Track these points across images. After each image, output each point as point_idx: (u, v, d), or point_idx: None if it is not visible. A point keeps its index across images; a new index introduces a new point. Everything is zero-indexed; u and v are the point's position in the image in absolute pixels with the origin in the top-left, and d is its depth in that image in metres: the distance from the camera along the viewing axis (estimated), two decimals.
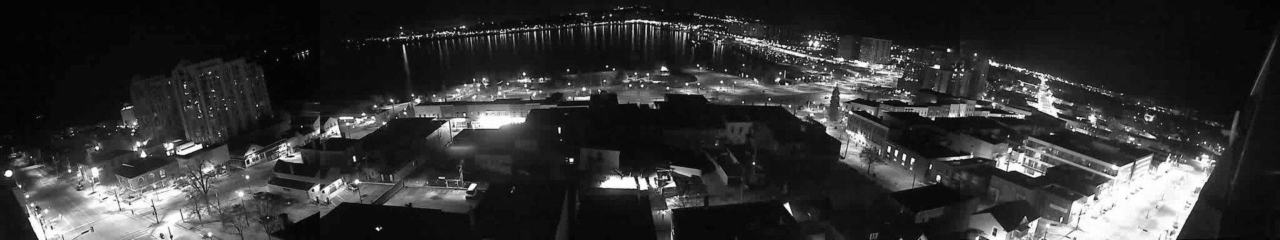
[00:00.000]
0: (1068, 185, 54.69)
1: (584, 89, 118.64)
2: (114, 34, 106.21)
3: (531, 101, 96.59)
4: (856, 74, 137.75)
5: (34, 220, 50.95)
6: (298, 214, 51.66)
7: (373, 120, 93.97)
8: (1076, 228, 52.41)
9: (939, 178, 62.09)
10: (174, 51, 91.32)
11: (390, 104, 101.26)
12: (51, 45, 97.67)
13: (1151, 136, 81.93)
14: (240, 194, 59.52)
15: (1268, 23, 38.61)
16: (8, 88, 79.99)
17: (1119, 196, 59.23)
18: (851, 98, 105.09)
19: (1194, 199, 54.78)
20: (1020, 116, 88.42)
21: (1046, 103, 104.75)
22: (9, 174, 59.92)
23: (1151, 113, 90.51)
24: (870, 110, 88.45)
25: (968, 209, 51.27)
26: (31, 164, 68.33)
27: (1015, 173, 60.74)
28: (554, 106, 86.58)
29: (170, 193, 60.33)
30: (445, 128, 78.71)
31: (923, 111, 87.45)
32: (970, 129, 72.64)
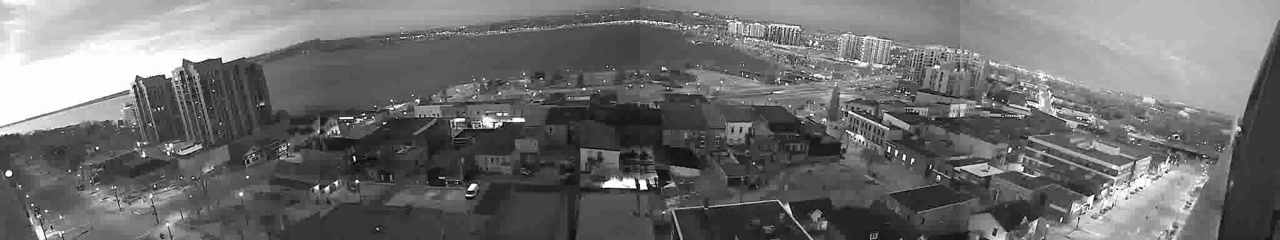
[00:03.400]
0: (1068, 185, 54.68)
1: (584, 89, 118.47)
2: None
3: (532, 101, 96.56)
4: (856, 74, 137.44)
5: (34, 220, 50.94)
6: (298, 214, 51.64)
7: (373, 120, 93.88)
8: (1077, 228, 52.40)
9: (939, 178, 62.07)
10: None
11: (390, 104, 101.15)
12: None
13: (1152, 136, 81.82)
14: (240, 194, 59.48)
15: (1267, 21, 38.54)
16: None
17: (1119, 196, 59.21)
18: (851, 98, 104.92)
19: (1194, 199, 54.78)
20: (1020, 116, 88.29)
21: (1046, 103, 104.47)
22: (9, 174, 59.89)
23: (1152, 113, 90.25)
24: (870, 110, 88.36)
25: (968, 209, 51.25)
26: (31, 164, 68.27)
27: (1015, 173, 60.74)
28: (554, 106, 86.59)
29: (170, 193, 60.32)
30: (446, 128, 78.77)
31: (923, 111, 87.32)
32: (970, 129, 72.61)
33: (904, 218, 48.29)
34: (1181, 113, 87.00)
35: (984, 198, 56.95)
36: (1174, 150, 73.25)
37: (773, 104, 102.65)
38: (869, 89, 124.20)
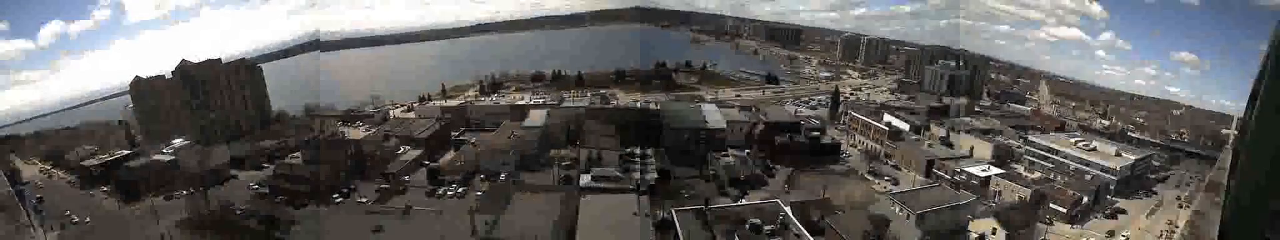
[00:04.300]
0: (1067, 185, 54.76)
1: (584, 89, 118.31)
2: None
3: (531, 101, 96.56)
4: (856, 74, 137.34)
5: (34, 220, 51.00)
6: (298, 214, 51.73)
7: (373, 120, 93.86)
8: (1076, 227, 52.45)
9: (939, 178, 62.14)
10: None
11: (390, 104, 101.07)
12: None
13: (1152, 136, 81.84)
14: (240, 194, 59.49)
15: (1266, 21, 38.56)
16: None
17: (1120, 196, 59.24)
18: (852, 98, 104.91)
19: (1195, 199, 54.78)
20: (1020, 116, 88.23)
21: (1046, 102, 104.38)
22: (9, 174, 59.98)
23: (1152, 112, 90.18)
24: (870, 110, 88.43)
25: (968, 209, 51.33)
26: (31, 164, 68.32)
27: (1015, 173, 60.81)
28: (554, 106, 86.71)
29: (170, 193, 60.23)
30: (446, 128, 78.93)
31: (923, 111, 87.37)
32: (970, 129, 72.76)
33: (904, 218, 48.37)
34: (1181, 112, 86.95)
35: (984, 198, 57.00)
36: (1174, 150, 73.22)
37: (773, 104, 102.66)
38: (869, 89, 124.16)
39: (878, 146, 73.68)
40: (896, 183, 64.23)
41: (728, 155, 65.29)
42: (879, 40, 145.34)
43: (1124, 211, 56.65)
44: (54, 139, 73.75)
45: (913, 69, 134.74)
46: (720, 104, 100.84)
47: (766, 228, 44.99)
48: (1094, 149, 63.05)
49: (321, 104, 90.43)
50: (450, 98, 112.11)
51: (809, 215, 51.22)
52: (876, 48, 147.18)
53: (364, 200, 58.56)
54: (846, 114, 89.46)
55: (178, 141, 70.78)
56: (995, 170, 60.70)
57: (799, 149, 64.21)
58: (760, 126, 70.65)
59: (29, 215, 51.08)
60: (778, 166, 61.40)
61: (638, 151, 62.84)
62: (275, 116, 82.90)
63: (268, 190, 60.24)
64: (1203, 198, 43.88)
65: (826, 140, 69.21)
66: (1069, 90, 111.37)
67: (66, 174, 65.00)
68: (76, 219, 54.85)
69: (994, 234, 49.17)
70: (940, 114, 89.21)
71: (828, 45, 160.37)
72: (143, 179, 59.77)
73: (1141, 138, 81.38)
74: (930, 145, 68.26)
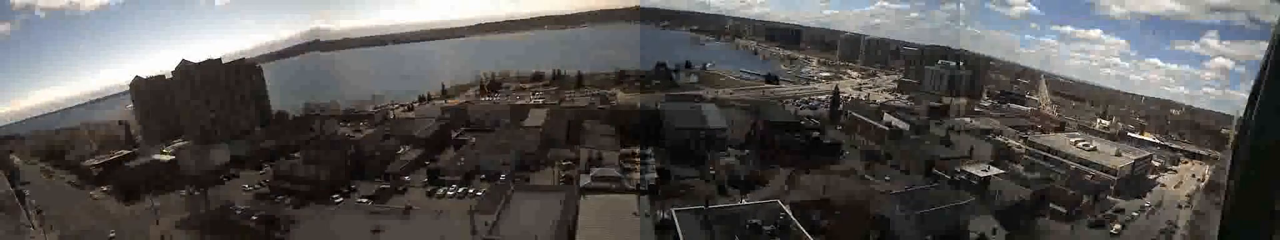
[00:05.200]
0: (1067, 185, 54.81)
1: (584, 89, 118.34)
2: None
3: (532, 101, 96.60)
4: (856, 74, 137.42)
5: (33, 220, 51.00)
6: (298, 214, 51.76)
7: (373, 120, 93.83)
8: (1076, 227, 52.46)
9: (939, 178, 62.16)
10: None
11: (390, 104, 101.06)
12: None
13: (1152, 136, 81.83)
14: (240, 194, 59.50)
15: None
16: None
17: (1120, 196, 59.25)
18: (852, 98, 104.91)
19: (1194, 199, 54.82)
20: (1020, 116, 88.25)
21: (1046, 102, 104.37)
22: (9, 173, 60.02)
23: (1152, 112, 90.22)
24: (870, 110, 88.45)
25: (968, 209, 51.33)
26: (31, 164, 68.35)
27: (1015, 173, 60.83)
28: (554, 106, 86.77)
29: (170, 193, 60.24)
30: (446, 128, 78.94)
31: (923, 111, 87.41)
32: (969, 128, 72.81)
33: (904, 218, 48.36)
34: (1180, 112, 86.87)
35: (984, 198, 57.00)
36: (1174, 150, 73.22)
37: (772, 103, 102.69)
38: (869, 89, 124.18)
39: (878, 146, 73.66)
40: (896, 183, 64.22)
41: (728, 155, 65.25)
42: (879, 40, 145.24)
43: (1124, 211, 56.67)
44: (54, 139, 73.85)
45: (913, 69, 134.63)
46: (720, 104, 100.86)
47: (766, 228, 45.07)
48: (1094, 149, 63.08)
49: (321, 104, 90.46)
50: (450, 98, 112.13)
51: (809, 215, 51.22)
52: (876, 48, 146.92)
53: (364, 200, 58.58)
54: (846, 114, 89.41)
55: (177, 141, 70.88)
56: (995, 170, 60.73)
57: (799, 149, 64.22)
58: (760, 126, 70.63)
59: (29, 215, 51.08)
60: (778, 166, 61.36)
61: (638, 151, 62.86)
62: (275, 116, 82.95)
63: (268, 190, 60.23)
64: (1203, 198, 43.84)
65: (826, 140, 69.19)
66: (1069, 90, 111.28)
67: (66, 174, 65.13)
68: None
69: (994, 234, 49.18)
70: (940, 114, 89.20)
71: (828, 45, 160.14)
72: (143, 179, 59.76)
73: (1142, 138, 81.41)
74: (930, 145, 68.26)
